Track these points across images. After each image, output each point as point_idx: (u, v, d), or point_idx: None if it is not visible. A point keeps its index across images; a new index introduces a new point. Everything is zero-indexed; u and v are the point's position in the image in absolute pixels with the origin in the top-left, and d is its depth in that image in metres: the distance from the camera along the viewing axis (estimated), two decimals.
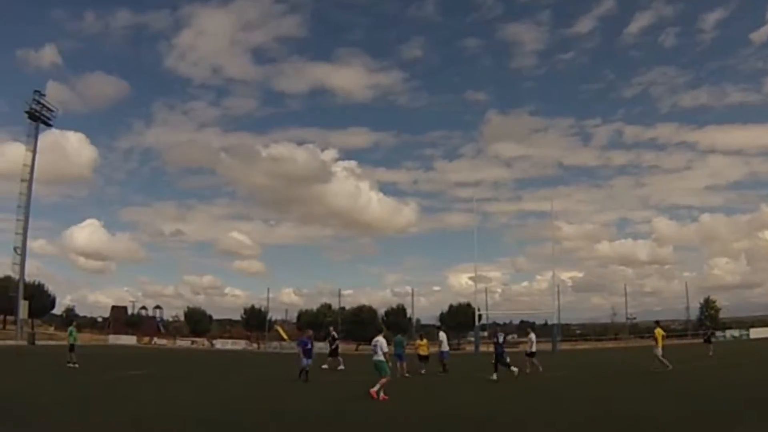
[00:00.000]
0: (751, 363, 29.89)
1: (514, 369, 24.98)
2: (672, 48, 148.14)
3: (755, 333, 69.54)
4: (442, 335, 30.58)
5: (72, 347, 29.29)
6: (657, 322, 30.53)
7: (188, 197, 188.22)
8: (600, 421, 13.56)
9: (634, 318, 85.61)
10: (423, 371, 27.74)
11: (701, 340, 44.74)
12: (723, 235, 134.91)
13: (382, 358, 18.59)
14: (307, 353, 23.96)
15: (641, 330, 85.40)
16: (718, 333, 71.99)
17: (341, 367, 30.25)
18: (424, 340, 30.43)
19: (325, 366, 29.97)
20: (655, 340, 27.32)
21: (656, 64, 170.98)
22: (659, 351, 26.69)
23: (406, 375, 26.59)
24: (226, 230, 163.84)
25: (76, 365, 27.97)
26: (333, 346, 32.15)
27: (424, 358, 28.99)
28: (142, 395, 19.03)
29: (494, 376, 23.97)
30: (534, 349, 28.96)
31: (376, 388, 17.55)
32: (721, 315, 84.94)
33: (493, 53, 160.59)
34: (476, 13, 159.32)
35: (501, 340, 25.56)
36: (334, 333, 33.60)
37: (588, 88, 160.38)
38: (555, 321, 66.10)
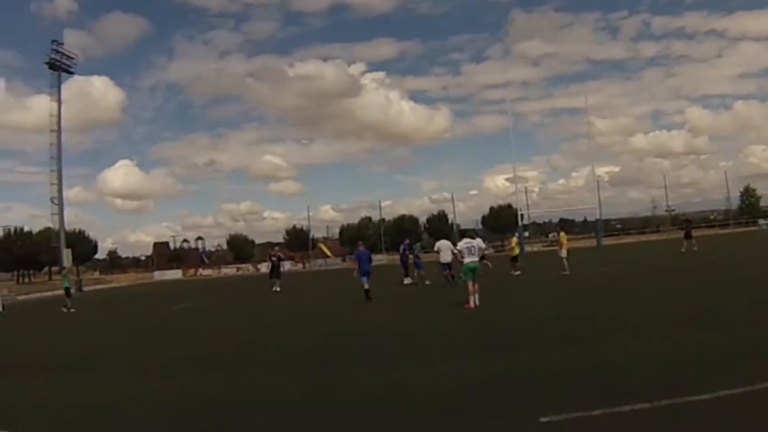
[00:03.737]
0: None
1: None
2: None
3: None
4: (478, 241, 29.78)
5: (67, 292, 29.44)
6: (561, 227, 34.49)
7: (218, 126, 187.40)
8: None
9: (674, 210, 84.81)
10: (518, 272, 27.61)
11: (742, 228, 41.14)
12: (758, 123, 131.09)
13: (477, 260, 17.34)
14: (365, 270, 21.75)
15: (682, 221, 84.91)
16: (761, 221, 70.98)
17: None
18: (514, 239, 30.65)
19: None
20: (560, 243, 27.95)
21: None
22: (564, 253, 27.02)
23: (427, 283, 26.19)
24: (259, 154, 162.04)
25: (72, 310, 27.98)
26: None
27: (514, 259, 29.04)
28: (200, 326, 19.11)
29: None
30: (516, 252, 29.80)
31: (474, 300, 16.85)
32: (762, 203, 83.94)
33: None
34: None
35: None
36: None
37: None
38: (597, 217, 64.83)
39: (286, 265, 73.46)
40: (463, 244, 17.49)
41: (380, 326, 15.43)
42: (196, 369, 11.43)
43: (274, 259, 32.88)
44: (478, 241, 17.67)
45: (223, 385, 9.69)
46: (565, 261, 26.64)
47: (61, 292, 30.71)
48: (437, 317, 16.23)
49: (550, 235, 28.41)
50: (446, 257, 23.18)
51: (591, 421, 6.23)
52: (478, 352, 10.69)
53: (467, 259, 17.08)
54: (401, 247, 29.44)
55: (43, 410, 8.75)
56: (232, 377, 10.28)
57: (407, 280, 27.69)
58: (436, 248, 17.74)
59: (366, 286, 21.39)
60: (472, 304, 16.73)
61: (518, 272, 27.65)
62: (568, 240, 28.95)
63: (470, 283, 16.98)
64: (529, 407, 6.85)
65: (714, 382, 7.09)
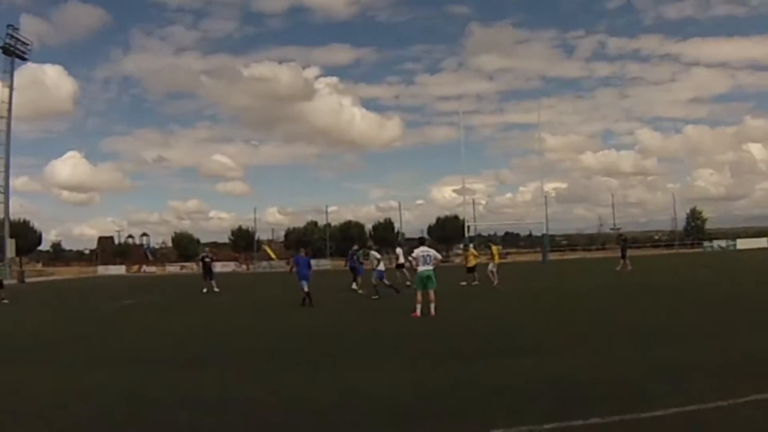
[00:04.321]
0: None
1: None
2: None
3: (742, 244, 70.51)
4: (399, 251, 30.62)
5: (0, 283, 29.31)
6: (490, 241, 35.94)
7: (170, 123, 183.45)
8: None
9: (619, 228, 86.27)
10: (475, 282, 27.36)
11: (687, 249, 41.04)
12: (707, 147, 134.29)
13: (432, 268, 16.99)
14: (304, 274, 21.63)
15: (627, 240, 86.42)
16: (706, 243, 72.67)
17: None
18: (471, 250, 30.39)
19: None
20: (492, 255, 28.54)
21: None
22: (493, 266, 27.68)
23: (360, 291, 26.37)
24: (209, 153, 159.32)
25: (5, 301, 27.55)
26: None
27: (471, 270, 28.51)
28: (145, 323, 18.74)
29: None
30: (401, 261, 29.23)
31: (432, 307, 16.59)
32: (707, 226, 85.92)
33: None
34: None
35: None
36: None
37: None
38: (543, 231, 65.67)
39: (231, 266, 73.21)
40: (420, 251, 17.25)
41: (328, 329, 15.35)
42: (142, 366, 11.11)
43: (207, 259, 32.06)
44: (434, 252, 17.53)
45: (171, 384, 9.41)
46: (493, 274, 27.14)
47: (7, 282, 30.14)
48: (385, 324, 16.09)
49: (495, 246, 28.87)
50: (382, 266, 23.63)
51: None
52: (426, 360, 10.49)
53: (421, 268, 16.87)
54: (350, 253, 29.51)
55: None
56: (180, 376, 10.04)
57: (354, 286, 27.56)
58: (414, 255, 17.46)
59: (306, 289, 21.22)
60: (418, 312, 16.47)
61: (476, 282, 27.49)
62: (501, 255, 29.87)
63: (420, 292, 16.80)
64: (478, 419, 6.70)
65: (666, 398, 7.03)
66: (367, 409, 7.47)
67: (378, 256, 24.43)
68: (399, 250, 30.85)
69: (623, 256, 35.79)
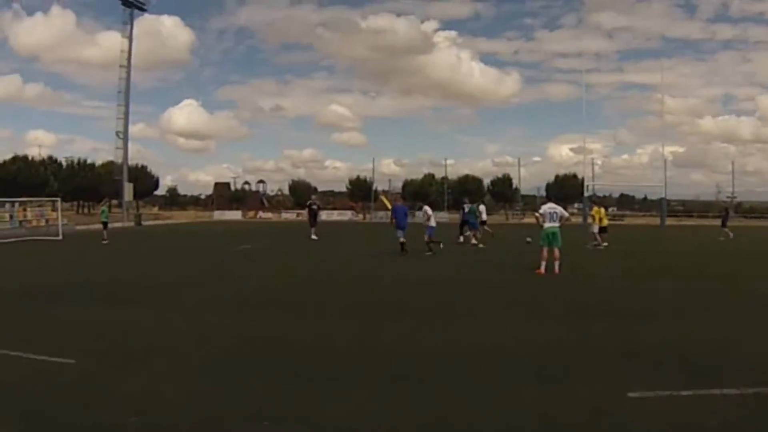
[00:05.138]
0: None
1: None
2: None
3: None
4: (483, 208, 31.76)
5: (105, 225, 30.61)
6: (595, 202, 33.80)
7: (286, 73, 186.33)
8: None
9: (736, 197, 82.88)
10: (603, 243, 26.80)
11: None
12: None
13: (558, 226, 16.98)
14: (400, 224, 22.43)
15: (745, 210, 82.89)
16: None
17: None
18: (602, 209, 29.69)
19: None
20: (592, 218, 28.62)
21: None
22: (595, 228, 27.33)
23: (473, 242, 26.92)
24: (325, 104, 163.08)
25: (106, 242, 28.58)
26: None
27: (603, 230, 27.89)
28: (261, 268, 19.08)
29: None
30: (485, 218, 30.81)
31: (556, 265, 16.63)
32: None
33: None
34: None
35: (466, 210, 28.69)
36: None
37: None
38: (662, 196, 63.25)
39: (347, 215, 74.06)
40: (546, 208, 17.27)
41: (447, 282, 15.42)
42: (259, 309, 11.49)
43: (314, 207, 32.91)
44: (561, 209, 17.32)
45: (285, 329, 9.70)
46: (596, 235, 26.87)
47: (124, 225, 31.04)
48: (507, 279, 16.17)
49: (604, 209, 28.14)
50: (433, 222, 23.50)
51: (679, 401, 6.03)
52: (551, 317, 10.55)
53: (547, 224, 16.82)
54: (463, 207, 30.05)
55: (113, 339, 8.69)
56: (295, 321, 10.34)
57: (461, 239, 28.51)
58: (540, 212, 17.32)
59: (402, 239, 21.98)
60: (543, 270, 16.55)
61: (606, 244, 26.86)
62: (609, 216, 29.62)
63: (545, 249, 16.76)
64: (613, 380, 6.69)
65: None
66: (499, 362, 7.59)
67: (430, 212, 24.04)
68: (482, 207, 31.71)
69: (723, 225, 36.54)
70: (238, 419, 5.57)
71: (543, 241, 16.85)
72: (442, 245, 23.40)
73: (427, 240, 22.74)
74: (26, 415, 5.58)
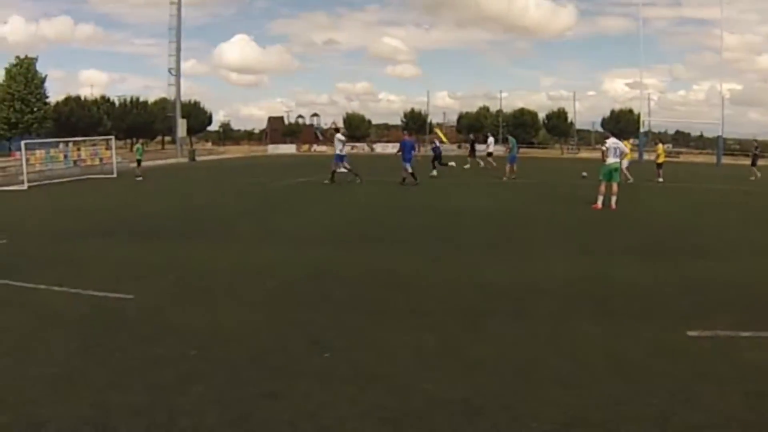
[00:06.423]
0: None
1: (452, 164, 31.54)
2: None
3: None
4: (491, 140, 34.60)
5: (139, 162, 30.98)
6: (659, 140, 35.45)
7: (337, 6, 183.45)
8: None
9: None
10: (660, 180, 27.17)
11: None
12: None
13: (619, 161, 17.10)
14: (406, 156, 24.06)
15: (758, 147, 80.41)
16: None
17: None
18: (661, 146, 30.25)
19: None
20: (657, 155, 29.24)
21: None
22: (625, 163, 25.80)
23: (513, 177, 27.25)
24: (378, 36, 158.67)
25: (140, 178, 28.92)
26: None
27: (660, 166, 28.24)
28: (317, 201, 18.79)
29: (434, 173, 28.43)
30: (491, 150, 33.17)
31: (613, 201, 16.58)
32: None
33: None
34: None
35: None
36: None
37: None
38: (719, 134, 61.58)
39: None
40: (611, 143, 17.07)
41: (503, 215, 15.98)
42: (319, 243, 11.60)
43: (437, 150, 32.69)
44: (622, 145, 17.16)
45: (352, 258, 9.96)
46: (628, 171, 26.29)
47: (178, 160, 31.17)
48: (564, 213, 16.33)
49: (665, 146, 27.61)
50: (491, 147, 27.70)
51: (739, 342, 5.96)
52: (607, 253, 10.58)
53: (610, 159, 16.72)
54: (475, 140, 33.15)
55: (171, 274, 8.81)
56: (361, 251, 10.68)
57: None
58: (606, 146, 17.13)
59: (409, 170, 23.78)
60: (599, 204, 16.53)
61: (661, 180, 27.15)
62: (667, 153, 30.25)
63: (603, 183, 16.72)
64: (673, 318, 6.67)
65: None
66: (554, 294, 7.66)
67: (343, 138, 25.35)
68: (491, 139, 34.54)
69: (753, 164, 34.56)
70: (299, 350, 5.69)
71: (604, 176, 16.77)
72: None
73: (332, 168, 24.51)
74: (87, 349, 5.70)
